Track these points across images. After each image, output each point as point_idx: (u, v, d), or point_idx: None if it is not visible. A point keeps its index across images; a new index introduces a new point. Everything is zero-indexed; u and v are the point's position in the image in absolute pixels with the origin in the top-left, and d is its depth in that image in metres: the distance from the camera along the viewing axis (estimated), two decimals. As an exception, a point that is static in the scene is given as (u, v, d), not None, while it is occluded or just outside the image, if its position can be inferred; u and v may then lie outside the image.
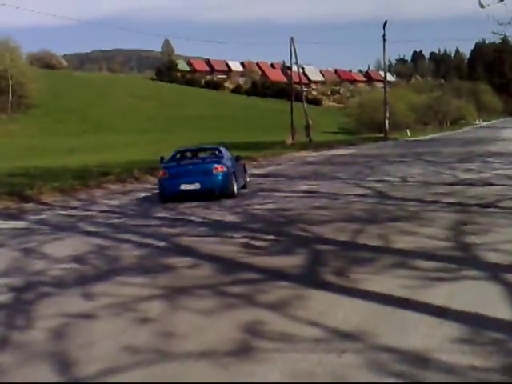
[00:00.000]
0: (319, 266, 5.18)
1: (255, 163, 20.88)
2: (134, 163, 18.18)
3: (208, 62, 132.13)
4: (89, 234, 7.32)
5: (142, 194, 11.68)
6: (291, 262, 5.28)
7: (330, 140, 35.01)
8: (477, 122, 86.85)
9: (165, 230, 7.28)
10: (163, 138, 44.88)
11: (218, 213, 8.59)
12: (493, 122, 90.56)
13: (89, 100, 61.30)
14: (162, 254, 5.84)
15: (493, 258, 5.02)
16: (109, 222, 8.25)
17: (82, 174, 14.83)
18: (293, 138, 32.80)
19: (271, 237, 6.59)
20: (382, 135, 41.62)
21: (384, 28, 39.57)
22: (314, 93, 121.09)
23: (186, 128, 55.39)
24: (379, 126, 45.09)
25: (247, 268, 5.17)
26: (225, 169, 11.07)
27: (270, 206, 9.13)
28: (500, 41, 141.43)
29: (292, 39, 32.32)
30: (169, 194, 10.78)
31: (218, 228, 7.28)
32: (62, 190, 12.23)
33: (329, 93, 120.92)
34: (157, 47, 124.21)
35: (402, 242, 5.88)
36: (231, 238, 6.53)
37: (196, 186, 10.62)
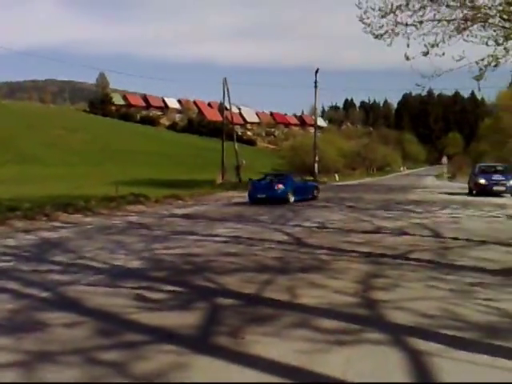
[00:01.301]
0: (215, 325, 4.71)
1: (181, 202, 20.33)
2: (52, 198, 17.14)
3: (144, 97, 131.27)
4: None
5: (46, 234, 10.80)
6: (186, 319, 4.79)
7: (260, 181, 34.99)
8: (402, 169, 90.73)
9: (56, 277, 6.56)
10: (91, 171, 43.44)
11: (122, 257, 7.95)
12: (416, 170, 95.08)
13: (14, 129, 58.75)
14: (41, 308, 5.16)
15: (397, 317, 4.76)
16: (-5, 265, 7.41)
17: (-14, 208, 13.68)
18: (223, 178, 32.56)
19: (172, 288, 6.07)
20: (311, 178, 42.23)
21: (316, 75, 40.78)
22: (250, 133, 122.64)
23: (117, 162, 54.02)
24: (310, 169, 45.86)
25: (134, 327, 4.61)
26: (282, 187, 19.63)
27: (181, 250, 8.61)
28: (425, 93, 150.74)
29: (225, 80, 32.51)
30: (251, 199, 19.75)
31: (117, 276, 6.67)
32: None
33: (264, 134, 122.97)
34: (91, 79, 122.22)
35: (309, 297, 5.55)
36: (127, 288, 5.94)
37: (263, 195, 19.36)
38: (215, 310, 5.18)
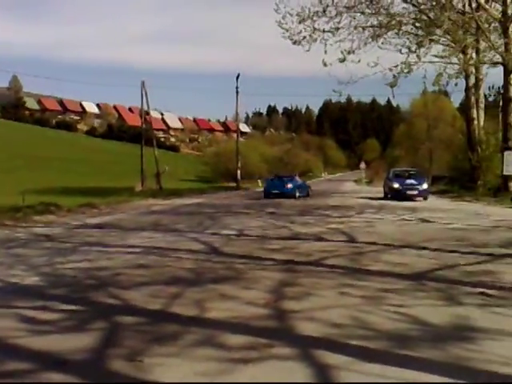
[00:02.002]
0: (112, 347, 4.30)
1: (95, 211, 19.42)
2: None
3: (61, 101, 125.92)
4: None
5: None
6: (80, 342, 4.33)
7: (182, 188, 34.47)
8: (323, 174, 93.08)
9: None
10: (2, 179, 40.91)
11: (20, 273, 7.28)
12: (337, 175, 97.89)
13: None
14: None
15: (307, 329, 4.58)
16: None
17: None
18: (142, 185, 31.68)
19: (70, 306, 5.56)
20: (235, 185, 42.22)
21: (237, 80, 40.80)
22: (173, 139, 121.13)
23: (31, 170, 51.27)
24: (234, 175, 45.85)
25: (19, 353, 4.11)
26: (290, 185, 26.19)
27: (87, 264, 8.04)
28: (345, 100, 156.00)
29: (143, 83, 31.71)
30: (266, 194, 25.98)
31: (8, 294, 6.05)
32: None
33: (187, 140, 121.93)
34: (4, 83, 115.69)
35: (218, 310, 5.26)
36: (16, 308, 5.37)
37: (277, 191, 25.49)
38: (114, 330, 4.76)
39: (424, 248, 9.01)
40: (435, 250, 8.82)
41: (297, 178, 28.57)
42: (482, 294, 5.72)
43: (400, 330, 4.53)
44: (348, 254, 8.52)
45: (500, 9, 24.09)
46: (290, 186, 26.54)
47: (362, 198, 27.24)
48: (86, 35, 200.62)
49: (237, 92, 40.57)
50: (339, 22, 24.66)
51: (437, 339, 4.27)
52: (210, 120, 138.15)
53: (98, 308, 5.54)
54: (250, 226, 12.80)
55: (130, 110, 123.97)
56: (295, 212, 17.17)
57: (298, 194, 26.32)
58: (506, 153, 24.50)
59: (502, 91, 27.58)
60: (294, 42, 25.46)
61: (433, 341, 4.23)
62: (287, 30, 25.20)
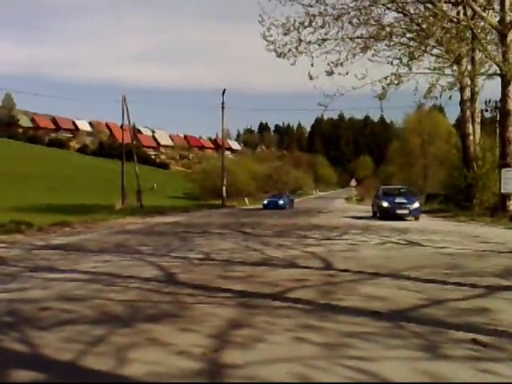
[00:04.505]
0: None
1: (67, 230, 18.29)
2: None
3: (54, 119, 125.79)
4: None
5: None
6: None
7: (164, 206, 33.33)
8: (314, 192, 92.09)
9: None
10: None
11: None
12: (328, 192, 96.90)
13: None
14: None
15: (242, 395, 3.49)
16: None
17: None
18: (123, 203, 30.51)
19: (-44, 356, 4.43)
20: (219, 203, 41.09)
21: (223, 96, 39.95)
22: (163, 157, 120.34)
23: (18, 188, 50.16)
24: (221, 192, 44.76)
25: None
26: (282, 201, 38.42)
27: (16, 294, 6.92)
28: (337, 117, 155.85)
29: (124, 98, 30.77)
30: (266, 207, 37.10)
31: None
32: None
33: (177, 157, 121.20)
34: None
35: (140, 363, 4.16)
36: None
37: (273, 205, 37.20)
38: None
39: (409, 278, 7.92)
40: (422, 280, 7.72)
41: (286, 195, 42.26)
42: (473, 341, 4.64)
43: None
44: (320, 284, 7.42)
45: (497, 16, 23.15)
46: (281, 202, 38.37)
47: (349, 217, 26.16)
48: (80, 55, 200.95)
49: (222, 107, 39.69)
50: (326, 34, 23.86)
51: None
52: (201, 137, 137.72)
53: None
54: (220, 249, 11.68)
55: (121, 127, 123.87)
56: (273, 232, 16.07)
57: (287, 207, 38.21)
58: (503, 170, 22.94)
59: (499, 105, 26.60)
60: (279, 55, 24.62)
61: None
62: (272, 43, 24.38)
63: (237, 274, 8.24)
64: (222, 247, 11.98)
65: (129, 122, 32.20)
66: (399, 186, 31.71)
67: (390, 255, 10.80)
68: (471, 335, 4.81)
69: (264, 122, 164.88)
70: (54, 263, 9.97)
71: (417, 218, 23.35)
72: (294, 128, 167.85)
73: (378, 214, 24.63)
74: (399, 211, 23.44)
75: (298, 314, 5.69)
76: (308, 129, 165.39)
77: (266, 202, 38.91)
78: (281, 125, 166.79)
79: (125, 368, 4.11)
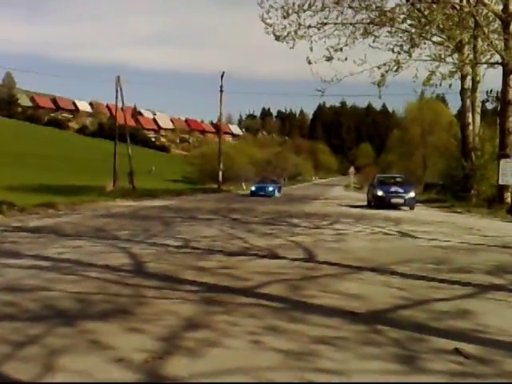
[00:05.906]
0: None
1: (51, 211, 17.69)
2: None
3: (54, 99, 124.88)
4: None
5: None
6: None
7: (157, 189, 32.70)
8: (313, 178, 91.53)
9: None
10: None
11: None
12: (328, 179, 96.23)
13: None
14: None
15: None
16: None
17: None
18: (114, 185, 29.89)
19: None
20: (215, 186, 40.50)
21: (221, 79, 39.14)
22: (163, 140, 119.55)
23: (14, 167, 49.61)
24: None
25: None
26: (271, 188, 33.91)
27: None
28: (339, 104, 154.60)
29: (118, 78, 29.98)
30: (253, 194, 32.88)
31: None
32: None
33: (178, 141, 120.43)
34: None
35: (66, 372, 3.58)
36: None
37: (262, 193, 32.87)
38: None
39: (395, 273, 7.33)
40: (409, 276, 7.13)
41: (276, 182, 38.24)
42: (456, 351, 4.06)
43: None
44: (296, 278, 6.82)
45: (500, 4, 22.57)
46: (270, 188, 34.16)
47: (344, 205, 25.56)
48: (83, 35, 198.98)
49: (221, 91, 38.91)
50: (326, 18, 23.16)
51: None
52: (202, 121, 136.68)
53: None
54: (202, 236, 11.08)
55: (122, 109, 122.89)
56: (262, 220, 15.46)
57: (278, 194, 34.56)
58: (502, 161, 22.31)
59: (499, 95, 25.86)
60: (277, 38, 23.97)
61: None
62: (271, 26, 23.72)
63: (210, 265, 7.66)
64: (205, 234, 11.39)
65: (122, 102, 31.49)
66: (395, 175, 31.06)
67: (379, 247, 10.22)
68: (454, 343, 4.22)
69: (266, 107, 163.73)
70: (20, 247, 9.37)
71: (412, 208, 22.80)
72: (297, 114, 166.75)
73: (372, 203, 24.04)
74: (394, 200, 22.87)
75: (265, 313, 5.10)
76: (310, 116, 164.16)
77: (253, 188, 34.35)
78: (283, 111, 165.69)
79: (50, 378, 3.53)
